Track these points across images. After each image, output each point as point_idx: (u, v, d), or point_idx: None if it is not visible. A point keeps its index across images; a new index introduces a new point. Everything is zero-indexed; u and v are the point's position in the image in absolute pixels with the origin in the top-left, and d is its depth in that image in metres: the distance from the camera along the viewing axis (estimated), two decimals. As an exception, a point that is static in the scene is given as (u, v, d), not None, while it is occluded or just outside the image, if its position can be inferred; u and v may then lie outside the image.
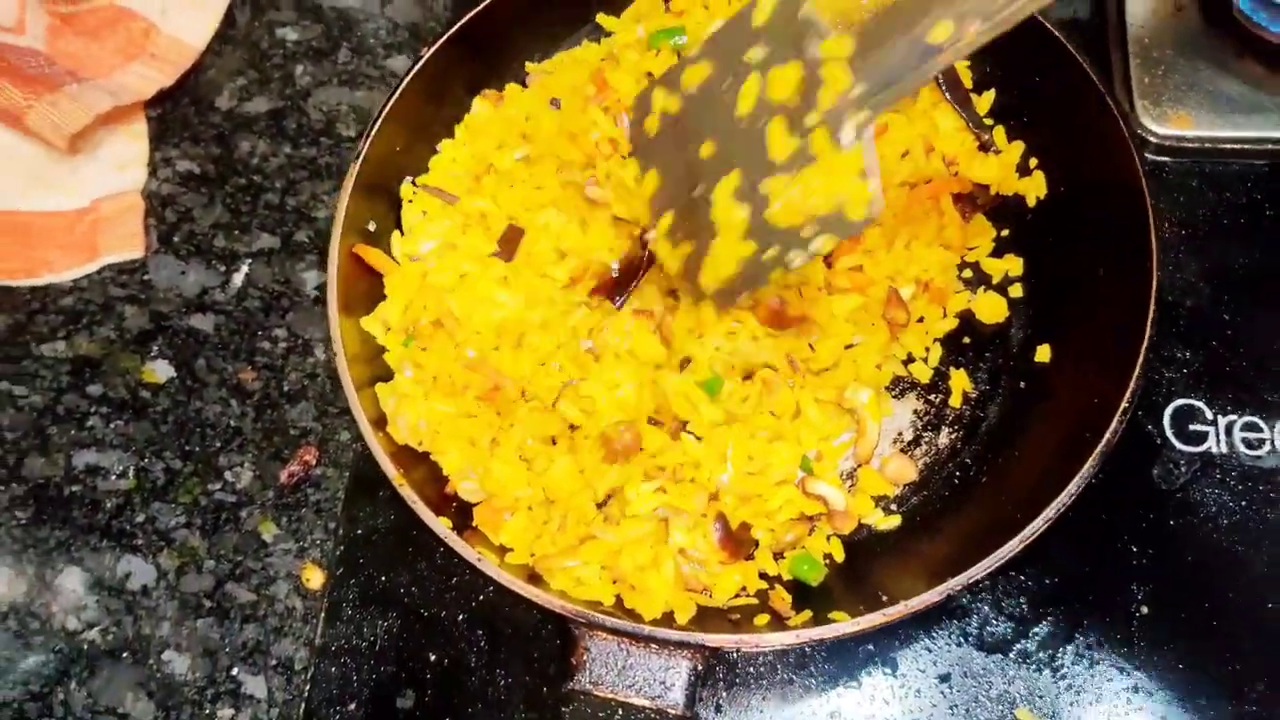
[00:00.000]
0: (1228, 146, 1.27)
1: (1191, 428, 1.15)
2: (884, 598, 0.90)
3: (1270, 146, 1.26)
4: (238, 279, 1.33)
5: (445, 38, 1.20)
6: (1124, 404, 0.94)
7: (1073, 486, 0.91)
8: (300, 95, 1.44)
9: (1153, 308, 0.97)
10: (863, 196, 0.89)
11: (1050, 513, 0.90)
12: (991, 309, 1.16)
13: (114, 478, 1.22)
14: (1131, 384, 0.95)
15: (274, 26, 1.48)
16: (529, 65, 1.30)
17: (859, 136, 0.89)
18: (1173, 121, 1.27)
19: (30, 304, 1.31)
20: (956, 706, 1.06)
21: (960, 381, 1.16)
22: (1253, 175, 1.28)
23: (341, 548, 1.16)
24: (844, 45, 0.89)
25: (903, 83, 0.87)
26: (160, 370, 1.28)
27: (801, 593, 1.01)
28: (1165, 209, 1.26)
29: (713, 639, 0.90)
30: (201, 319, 1.30)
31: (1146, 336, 0.95)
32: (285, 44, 1.47)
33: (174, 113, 1.43)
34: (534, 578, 0.99)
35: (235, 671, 1.13)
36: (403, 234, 1.20)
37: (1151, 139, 1.27)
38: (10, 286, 1.31)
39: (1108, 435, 0.93)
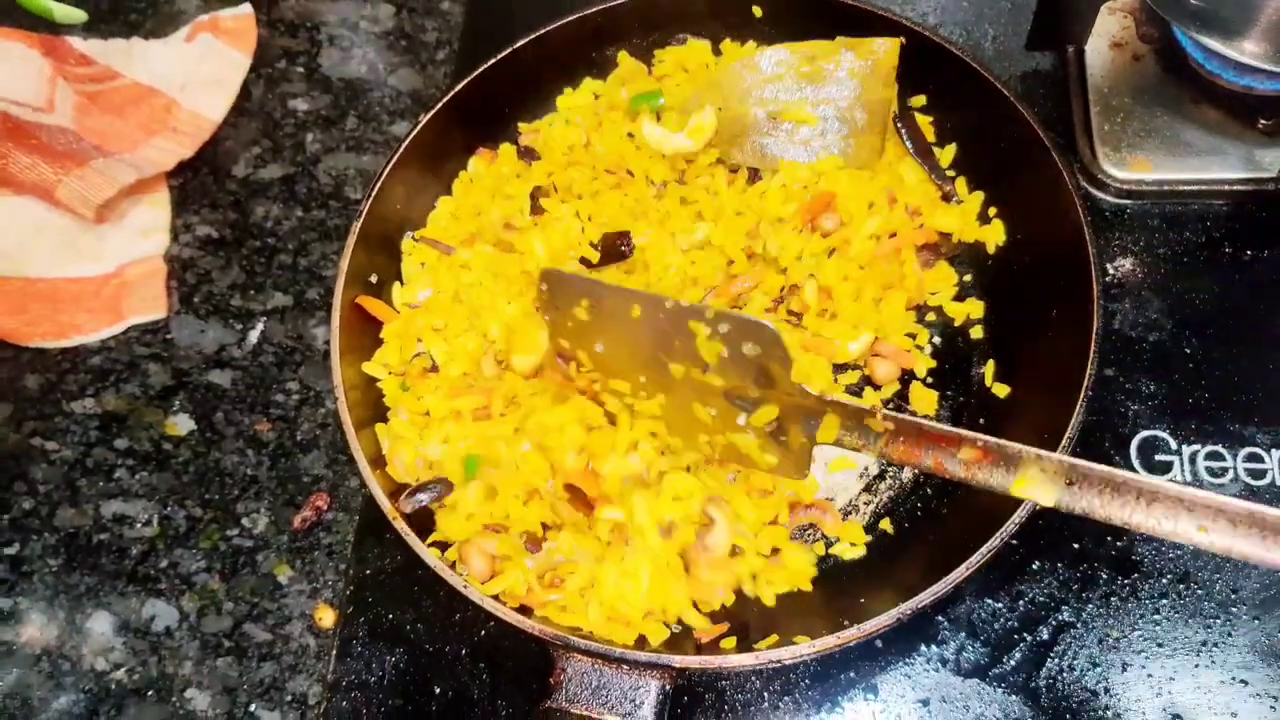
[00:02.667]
0: (1186, 189, 1.32)
1: (1157, 458, 1.19)
2: (845, 623, 0.94)
3: (1226, 188, 1.31)
4: (253, 336, 1.39)
5: (441, 104, 1.27)
6: (1067, 436, 0.98)
7: (1018, 515, 0.94)
8: (310, 161, 1.52)
9: (1094, 345, 1.01)
10: None
11: (995, 541, 0.93)
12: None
13: (139, 526, 1.28)
14: (1073, 418, 0.99)
15: (286, 98, 1.56)
16: (521, 125, 1.36)
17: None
18: (1132, 166, 1.32)
19: (61, 364, 1.38)
20: (935, 730, 1.09)
21: (926, 409, 1.20)
22: (1211, 215, 1.32)
23: (351, 588, 1.21)
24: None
25: None
26: (182, 424, 1.34)
27: (771, 619, 1.04)
28: (1128, 249, 1.31)
29: (678, 659, 0.94)
30: (220, 374, 1.37)
31: (1088, 373, 0.99)
32: (296, 114, 1.55)
33: (194, 181, 1.50)
34: (524, 608, 1.04)
35: (253, 708, 1.17)
36: (403, 284, 1.26)
37: (1112, 183, 1.32)
38: (43, 348, 1.38)
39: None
